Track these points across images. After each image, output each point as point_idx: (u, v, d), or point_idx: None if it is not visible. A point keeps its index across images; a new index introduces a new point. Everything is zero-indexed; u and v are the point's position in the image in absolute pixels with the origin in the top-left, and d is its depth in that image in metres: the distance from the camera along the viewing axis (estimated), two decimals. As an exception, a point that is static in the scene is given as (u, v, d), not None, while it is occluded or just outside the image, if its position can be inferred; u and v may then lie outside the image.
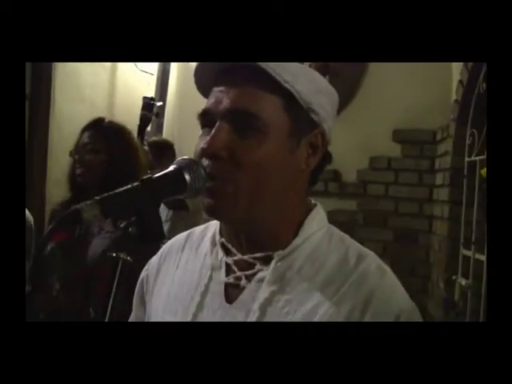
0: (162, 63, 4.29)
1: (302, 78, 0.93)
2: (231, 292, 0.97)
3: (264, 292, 0.92)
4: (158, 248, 1.13)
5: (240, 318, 0.93)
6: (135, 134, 2.59)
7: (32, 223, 2.31)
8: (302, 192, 0.99)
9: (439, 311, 2.93)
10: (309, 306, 0.90)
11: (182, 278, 1.04)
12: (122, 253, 0.82)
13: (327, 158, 1.00)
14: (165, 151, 3.30)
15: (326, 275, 0.93)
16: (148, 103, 3.70)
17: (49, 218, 2.47)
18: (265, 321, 0.91)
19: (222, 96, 0.92)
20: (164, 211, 2.98)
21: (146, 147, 2.89)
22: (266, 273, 0.94)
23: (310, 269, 0.94)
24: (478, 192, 2.66)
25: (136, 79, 3.98)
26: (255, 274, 0.95)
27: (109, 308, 0.80)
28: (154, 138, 3.68)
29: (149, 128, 3.29)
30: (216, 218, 0.99)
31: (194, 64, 0.98)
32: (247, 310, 0.93)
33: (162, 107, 3.98)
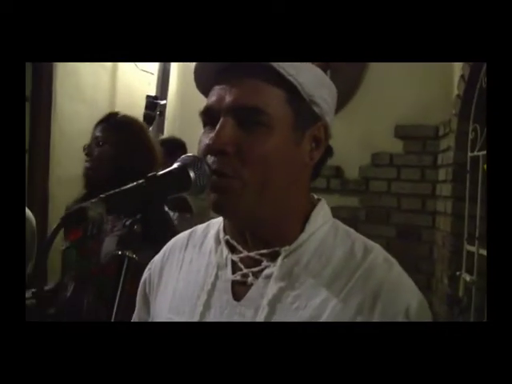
0: (162, 62, 4.28)
1: (304, 71, 0.93)
2: (238, 289, 0.96)
3: (272, 288, 0.92)
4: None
5: (249, 315, 0.93)
6: None
7: (34, 223, 2.31)
8: (306, 187, 0.99)
9: (443, 307, 2.93)
10: (318, 300, 0.90)
11: (187, 277, 1.03)
12: (127, 251, 0.82)
13: (329, 151, 1.00)
14: (177, 149, 3.27)
15: (333, 269, 0.93)
16: (151, 102, 3.69)
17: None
18: (274, 317, 0.91)
19: (224, 92, 0.91)
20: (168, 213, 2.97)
21: None
22: (274, 269, 0.93)
23: (317, 263, 0.94)
24: (481, 187, 2.66)
25: (136, 79, 3.98)
26: (262, 270, 0.95)
27: (115, 307, 0.80)
28: (166, 136, 3.67)
29: (150, 128, 3.29)
30: (223, 215, 0.98)
31: (194, 63, 0.98)
32: (256, 307, 0.92)
33: (164, 106, 3.97)
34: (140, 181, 0.84)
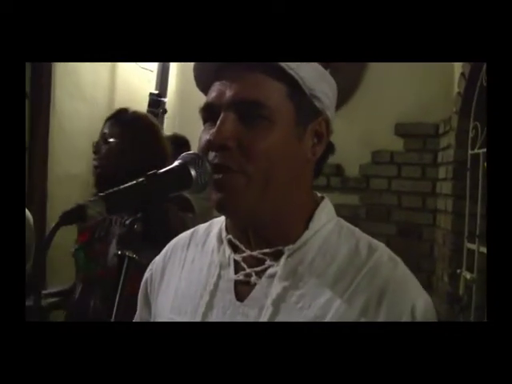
0: (161, 60, 4.27)
1: (305, 66, 0.92)
2: (241, 289, 0.95)
3: (276, 288, 0.91)
4: (165, 245, 1.11)
5: (252, 316, 0.92)
6: None
7: (31, 222, 2.30)
8: (309, 183, 0.98)
9: (444, 305, 2.92)
10: (323, 299, 0.89)
11: (189, 276, 1.02)
12: (127, 250, 0.81)
13: (330, 148, 0.99)
14: (180, 147, 3.25)
15: (337, 268, 0.92)
16: (155, 100, 3.66)
17: None
18: (279, 317, 0.90)
19: (224, 88, 0.91)
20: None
21: None
22: (277, 268, 0.92)
23: (321, 262, 0.93)
24: (481, 185, 2.65)
25: (136, 76, 3.96)
26: (265, 269, 0.94)
27: (115, 307, 0.79)
28: (169, 134, 3.65)
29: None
30: (226, 213, 0.97)
31: (193, 61, 0.97)
32: (260, 307, 0.91)
33: (164, 103, 3.96)
34: (140, 179, 0.83)
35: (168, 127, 4.24)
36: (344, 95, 3.55)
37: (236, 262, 0.97)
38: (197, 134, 0.95)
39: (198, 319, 0.95)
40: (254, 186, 0.89)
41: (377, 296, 0.88)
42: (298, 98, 0.92)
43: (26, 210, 2.24)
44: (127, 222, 0.81)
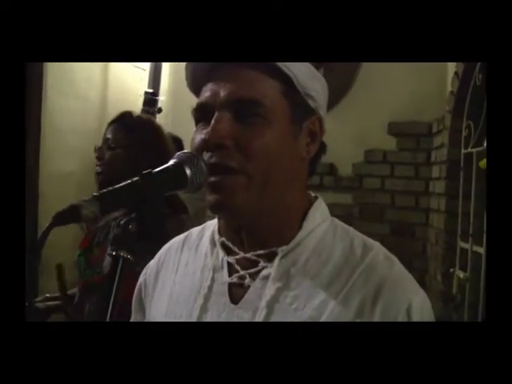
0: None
1: (297, 63, 0.92)
2: (235, 292, 0.94)
3: (270, 289, 0.90)
4: (161, 245, 1.10)
5: (247, 318, 0.91)
6: None
7: None
8: (303, 183, 0.98)
9: (437, 304, 2.92)
10: (317, 300, 0.89)
11: (183, 280, 1.02)
12: (122, 251, 0.80)
13: (322, 147, 0.99)
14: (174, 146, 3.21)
15: (332, 268, 0.91)
16: (150, 98, 3.62)
17: None
18: (273, 318, 0.89)
19: (217, 88, 0.90)
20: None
21: None
22: (271, 270, 0.92)
23: (316, 262, 0.92)
24: (474, 184, 2.65)
25: (129, 75, 3.94)
26: (259, 271, 0.93)
27: (109, 309, 0.78)
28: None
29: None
30: (223, 214, 0.96)
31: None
32: (254, 309, 0.90)
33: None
34: (135, 178, 0.82)
35: (161, 126, 4.22)
36: (337, 94, 3.55)
37: (229, 265, 0.96)
38: (190, 133, 0.94)
39: None
40: (253, 186, 0.88)
41: (372, 295, 0.87)
42: (293, 96, 0.91)
43: None
44: (122, 222, 0.80)
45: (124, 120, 1.97)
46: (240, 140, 0.88)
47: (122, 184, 0.81)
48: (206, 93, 0.91)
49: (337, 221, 0.99)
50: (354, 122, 3.59)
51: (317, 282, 0.90)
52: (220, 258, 0.97)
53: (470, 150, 2.73)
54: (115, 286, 0.78)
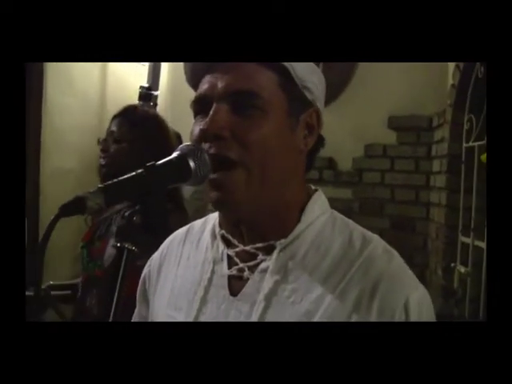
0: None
1: None
2: (235, 284, 0.95)
3: (268, 282, 0.91)
4: (164, 238, 1.10)
5: (245, 310, 0.91)
6: None
7: None
8: (302, 176, 0.98)
9: (438, 299, 2.92)
10: (315, 294, 0.88)
11: (185, 272, 1.02)
12: (126, 243, 0.80)
13: (320, 141, 0.99)
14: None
15: (331, 261, 0.91)
16: (145, 93, 3.61)
17: None
18: (270, 311, 0.89)
19: (215, 80, 0.90)
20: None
21: None
22: (269, 263, 0.92)
23: (314, 255, 0.92)
24: (476, 178, 2.65)
25: (128, 70, 3.93)
26: (258, 264, 0.93)
27: (114, 303, 0.78)
28: None
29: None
30: (225, 210, 0.96)
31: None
32: (252, 302, 0.91)
33: (156, 97, 3.93)
34: (139, 170, 0.82)
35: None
36: (337, 88, 3.54)
37: (229, 257, 0.97)
38: (189, 128, 0.94)
39: (192, 314, 0.95)
40: (252, 181, 0.88)
41: (370, 290, 0.86)
42: (290, 89, 0.91)
43: None
44: (126, 213, 0.80)
45: (128, 114, 1.98)
46: (237, 131, 0.88)
47: (126, 176, 0.81)
48: (205, 85, 0.92)
49: (336, 213, 0.99)
50: (354, 116, 3.58)
51: (315, 275, 0.90)
52: (220, 251, 0.98)
53: (471, 143, 2.73)
54: (120, 277, 0.78)
